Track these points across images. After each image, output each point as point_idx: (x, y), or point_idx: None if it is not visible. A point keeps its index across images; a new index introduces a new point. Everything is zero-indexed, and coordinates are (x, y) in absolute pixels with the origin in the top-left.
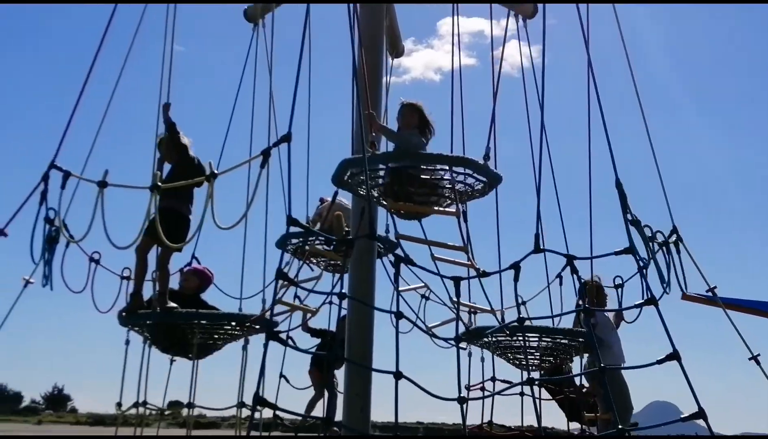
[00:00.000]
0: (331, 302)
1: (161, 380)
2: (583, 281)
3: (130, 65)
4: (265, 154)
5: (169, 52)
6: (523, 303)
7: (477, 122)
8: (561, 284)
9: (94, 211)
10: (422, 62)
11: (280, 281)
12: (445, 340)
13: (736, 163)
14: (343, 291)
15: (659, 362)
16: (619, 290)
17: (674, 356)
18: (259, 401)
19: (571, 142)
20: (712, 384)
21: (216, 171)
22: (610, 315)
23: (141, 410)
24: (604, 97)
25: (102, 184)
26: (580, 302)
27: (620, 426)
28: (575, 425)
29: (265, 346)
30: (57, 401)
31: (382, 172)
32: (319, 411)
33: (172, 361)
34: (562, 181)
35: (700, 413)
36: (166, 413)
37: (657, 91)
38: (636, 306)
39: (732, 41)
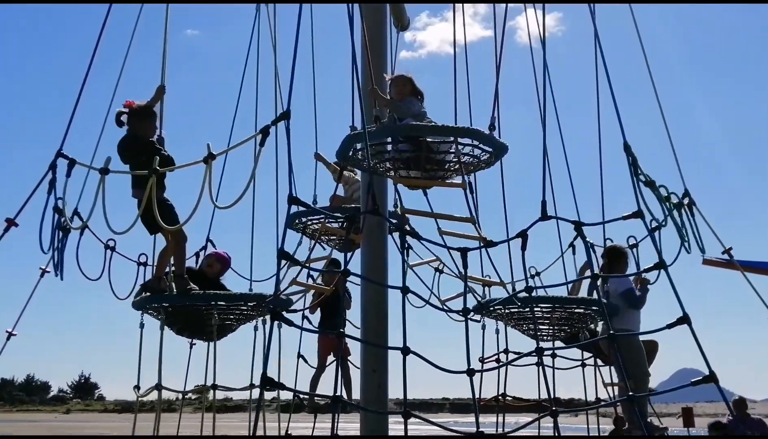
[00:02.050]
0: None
1: (179, 363)
2: (607, 248)
3: (138, 50)
4: (264, 132)
5: (170, 34)
6: (537, 274)
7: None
8: (574, 253)
9: (95, 198)
10: (438, 36)
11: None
12: (454, 312)
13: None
14: (348, 268)
15: (669, 326)
16: (634, 250)
17: (684, 319)
18: (267, 381)
19: (582, 111)
20: (736, 347)
21: (214, 152)
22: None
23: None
24: (616, 69)
25: (104, 171)
26: (596, 270)
27: (630, 393)
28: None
29: (271, 327)
30: (84, 389)
31: (389, 146)
32: (324, 385)
33: (191, 344)
34: (572, 151)
35: (711, 377)
36: (193, 397)
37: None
38: (645, 271)
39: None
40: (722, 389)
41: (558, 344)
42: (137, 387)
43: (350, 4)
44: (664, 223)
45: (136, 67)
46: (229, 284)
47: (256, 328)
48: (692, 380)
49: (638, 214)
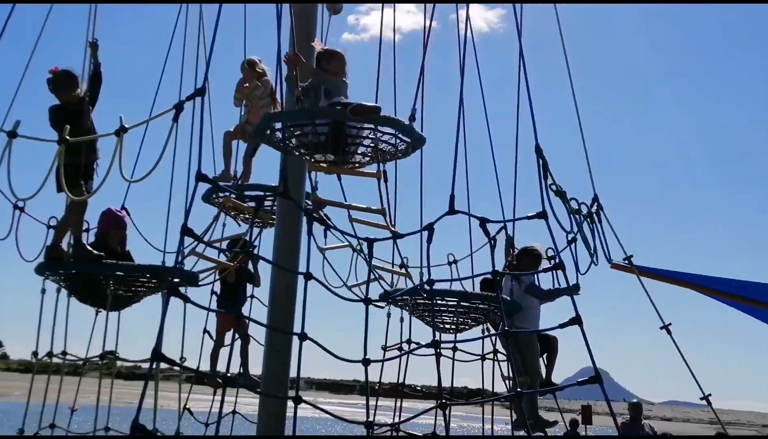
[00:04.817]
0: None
1: (88, 329)
2: (521, 248)
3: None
4: (178, 107)
5: None
6: (455, 261)
7: (433, 82)
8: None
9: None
10: (380, 24)
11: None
12: (356, 301)
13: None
14: (254, 250)
15: (562, 326)
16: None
17: (576, 320)
18: (158, 356)
19: (505, 113)
20: (641, 352)
21: (126, 125)
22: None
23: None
24: (550, 68)
25: (12, 135)
26: (506, 267)
27: (518, 389)
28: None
29: (166, 301)
30: None
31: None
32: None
33: (97, 312)
34: (494, 150)
35: (597, 378)
36: (101, 363)
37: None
38: (544, 270)
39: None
40: (606, 391)
41: (461, 336)
42: (35, 353)
43: None
44: (573, 236)
45: (54, 30)
46: (141, 255)
47: (164, 300)
48: (578, 380)
49: (542, 214)
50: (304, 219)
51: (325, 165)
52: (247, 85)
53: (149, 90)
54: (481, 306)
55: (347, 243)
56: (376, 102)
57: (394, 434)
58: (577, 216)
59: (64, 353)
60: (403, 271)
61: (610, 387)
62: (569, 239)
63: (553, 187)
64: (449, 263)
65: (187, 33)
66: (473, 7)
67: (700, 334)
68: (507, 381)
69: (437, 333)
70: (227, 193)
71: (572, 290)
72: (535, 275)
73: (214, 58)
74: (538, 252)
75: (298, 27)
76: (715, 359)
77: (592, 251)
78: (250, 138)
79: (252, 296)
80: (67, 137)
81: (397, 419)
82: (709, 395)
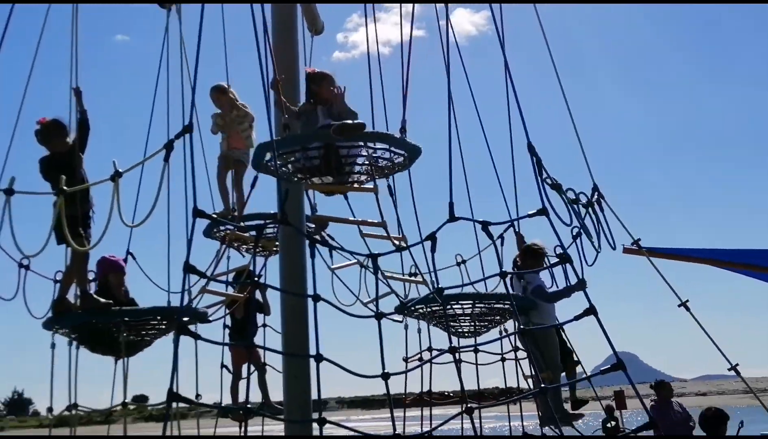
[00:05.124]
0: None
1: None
2: (524, 246)
3: (46, 58)
4: (168, 147)
5: (99, 40)
6: (464, 262)
7: (426, 93)
8: (501, 247)
9: (0, 219)
10: (371, 37)
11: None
12: (368, 317)
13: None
14: (258, 279)
15: (576, 317)
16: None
17: (591, 310)
18: (173, 396)
19: (500, 112)
20: (669, 330)
21: (120, 170)
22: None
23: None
24: (540, 66)
25: (8, 192)
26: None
27: (542, 385)
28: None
29: (177, 340)
30: (18, 405)
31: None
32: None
33: (117, 360)
34: (495, 151)
35: (620, 365)
36: (131, 407)
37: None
38: (550, 266)
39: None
40: (638, 374)
41: (480, 338)
42: (50, 409)
43: (259, 6)
44: (576, 228)
45: (46, 78)
46: (146, 298)
47: (175, 341)
48: (602, 369)
49: (543, 211)
50: (307, 242)
51: (320, 186)
52: (236, 112)
53: (137, 129)
54: (496, 306)
55: (355, 260)
56: (373, 117)
57: None
58: (576, 206)
59: (75, 405)
60: (419, 279)
61: (640, 370)
62: (574, 233)
63: (548, 181)
64: (458, 264)
65: (170, 67)
66: (459, 11)
67: (722, 305)
68: (528, 379)
69: (456, 338)
70: (227, 227)
71: (579, 287)
72: (546, 272)
73: (198, 88)
74: (541, 250)
75: (279, 50)
76: (740, 328)
77: (593, 239)
78: (236, 164)
79: (264, 326)
80: (65, 188)
81: (425, 429)
82: (737, 364)
